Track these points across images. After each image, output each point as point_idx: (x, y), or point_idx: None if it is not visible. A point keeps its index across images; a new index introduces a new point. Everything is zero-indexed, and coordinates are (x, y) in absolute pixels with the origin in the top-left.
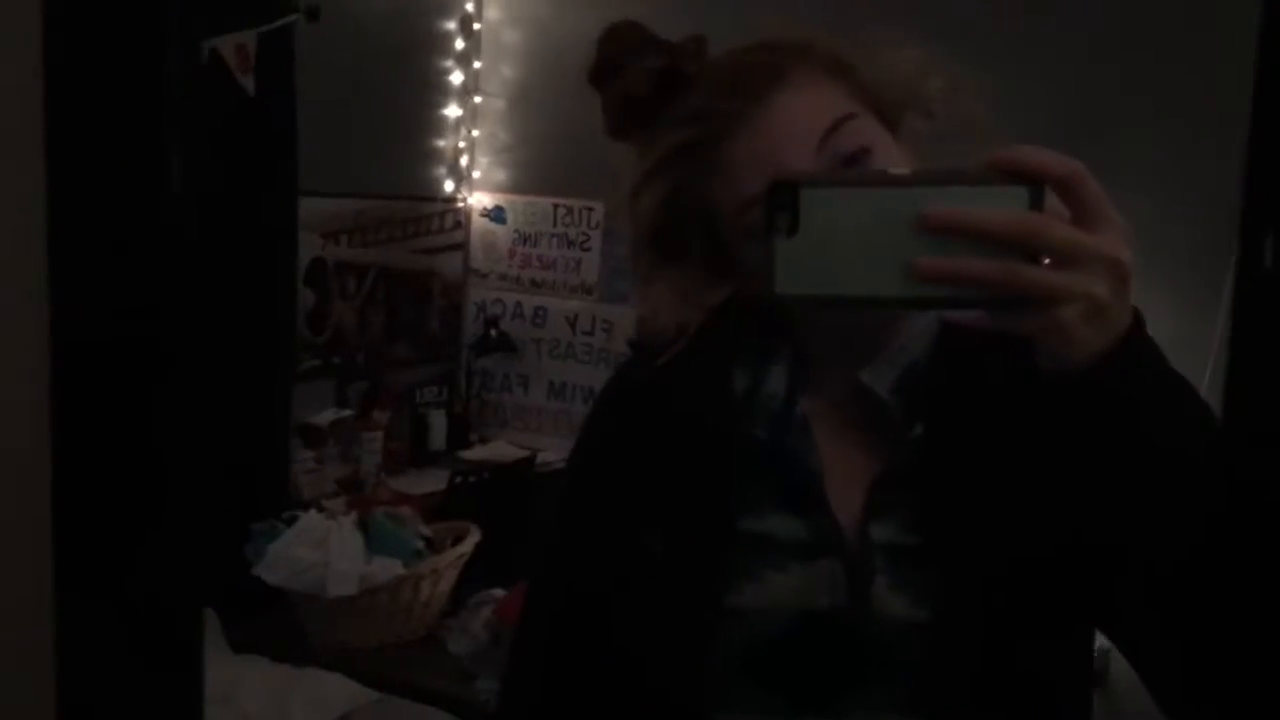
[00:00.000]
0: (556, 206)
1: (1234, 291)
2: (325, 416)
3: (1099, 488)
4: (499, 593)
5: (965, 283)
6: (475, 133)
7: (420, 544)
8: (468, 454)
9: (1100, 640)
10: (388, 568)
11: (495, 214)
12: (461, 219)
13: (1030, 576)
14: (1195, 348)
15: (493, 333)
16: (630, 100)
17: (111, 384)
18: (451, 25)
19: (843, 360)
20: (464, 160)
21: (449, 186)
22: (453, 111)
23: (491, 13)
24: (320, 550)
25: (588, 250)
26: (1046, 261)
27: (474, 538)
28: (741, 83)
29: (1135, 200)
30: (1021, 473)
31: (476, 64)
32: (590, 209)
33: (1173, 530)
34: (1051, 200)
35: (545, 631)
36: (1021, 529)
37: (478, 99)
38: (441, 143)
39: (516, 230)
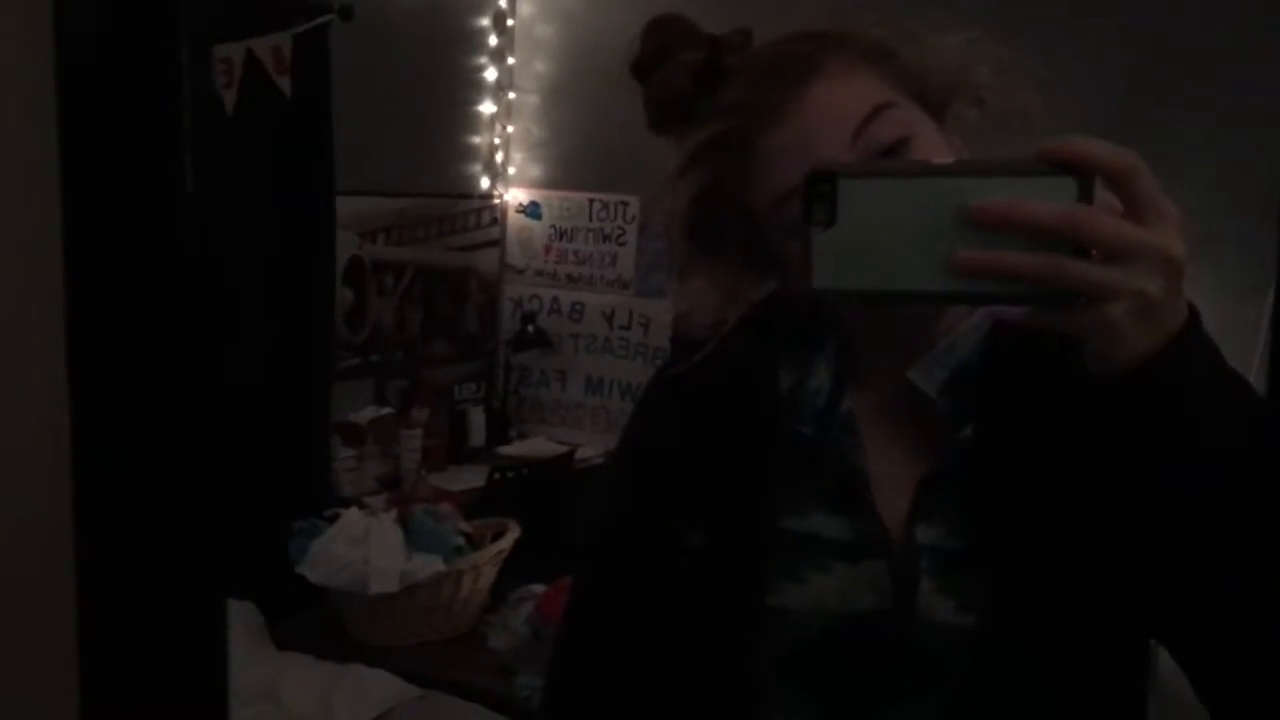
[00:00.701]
0: (592, 201)
1: (1277, 271)
2: (365, 414)
3: (1151, 489)
4: (539, 588)
5: (1009, 277)
6: (510, 129)
7: (460, 540)
8: (506, 450)
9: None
10: (428, 564)
11: (531, 210)
12: (497, 215)
13: (1080, 581)
14: (1244, 333)
15: (529, 328)
16: (672, 93)
17: (131, 378)
18: (485, 22)
19: (890, 357)
20: (499, 157)
21: (485, 183)
22: (487, 108)
23: (525, 8)
24: (361, 547)
25: (623, 245)
26: (1095, 256)
27: (514, 533)
28: (777, 74)
29: (1184, 188)
30: (1072, 475)
31: (510, 60)
32: (625, 204)
33: (1227, 531)
34: (1104, 193)
35: (590, 627)
36: (1071, 533)
37: (512, 95)
38: (477, 139)
39: (552, 225)
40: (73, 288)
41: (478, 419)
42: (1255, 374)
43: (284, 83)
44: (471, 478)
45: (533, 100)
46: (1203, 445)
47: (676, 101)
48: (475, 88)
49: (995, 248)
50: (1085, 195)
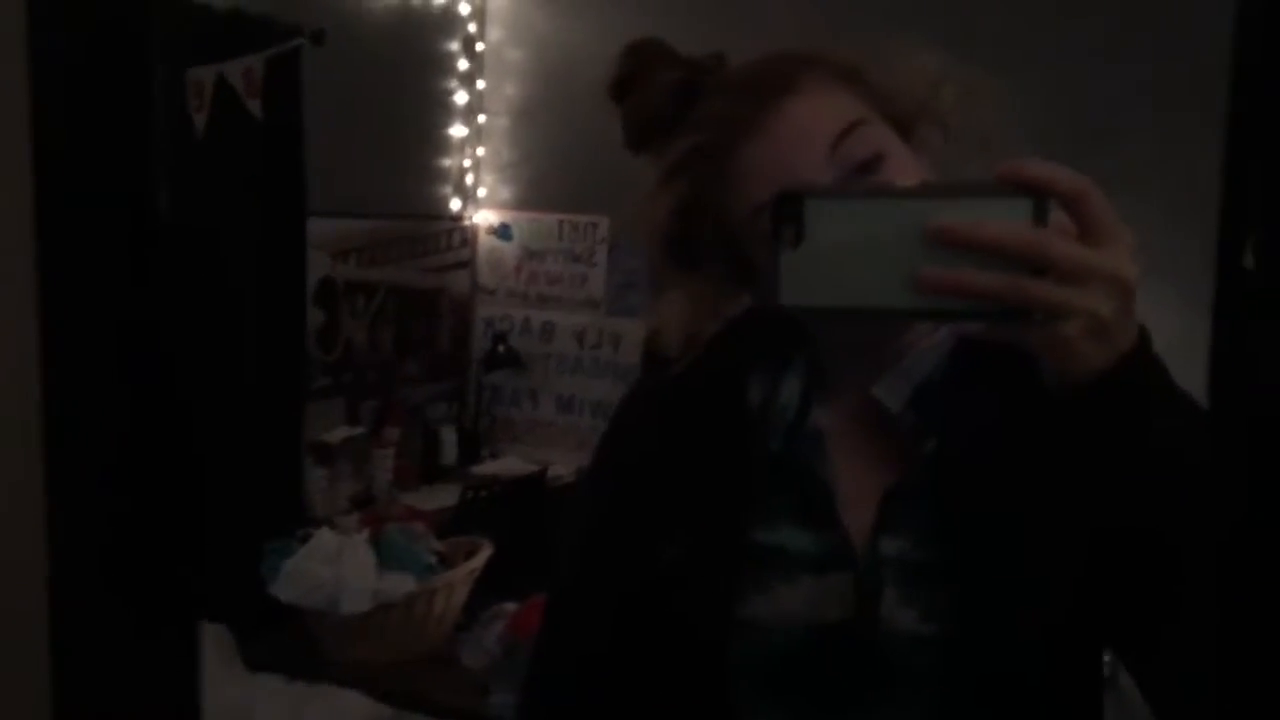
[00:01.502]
0: (562, 222)
1: (1215, 291)
2: (337, 434)
3: (1105, 502)
4: (512, 606)
5: (969, 295)
6: (480, 151)
7: (433, 559)
8: (479, 469)
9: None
10: (400, 583)
11: (501, 231)
12: (468, 236)
13: (1040, 592)
14: (1196, 349)
15: (501, 348)
16: (650, 112)
17: (103, 382)
18: (455, 46)
19: (856, 373)
20: (469, 179)
21: (455, 205)
22: (458, 131)
23: (494, 32)
24: (333, 567)
25: (594, 265)
26: (1051, 277)
27: (486, 552)
28: (753, 90)
29: (1139, 205)
30: (1033, 489)
31: (480, 83)
32: (595, 224)
33: (1179, 542)
34: (1062, 216)
35: (566, 639)
36: (1031, 545)
37: (482, 118)
38: (447, 162)
39: (523, 246)
40: (47, 306)
41: (450, 438)
42: (1208, 390)
43: (255, 105)
44: (444, 497)
45: (503, 123)
46: (1152, 459)
47: (654, 121)
48: (445, 110)
49: (957, 266)
50: (1040, 217)
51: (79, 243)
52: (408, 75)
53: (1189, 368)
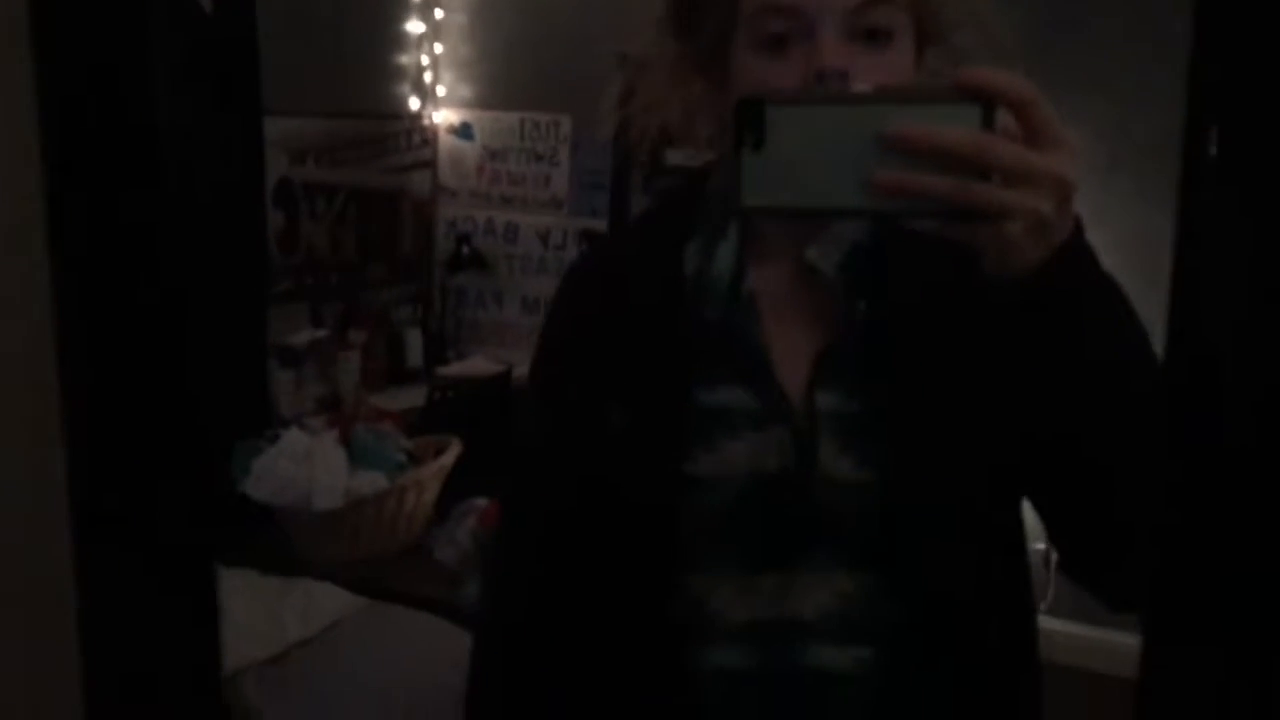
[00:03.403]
0: (523, 121)
1: (1180, 180)
2: (302, 337)
3: (1032, 377)
4: (482, 502)
5: (920, 197)
6: (438, 48)
7: (403, 457)
8: (445, 370)
9: None
10: (372, 481)
11: (462, 130)
12: (428, 136)
13: (965, 443)
14: (1156, 240)
15: (465, 250)
16: None
17: (120, 307)
18: None
19: (791, 238)
20: (428, 76)
21: (414, 104)
22: (414, 27)
23: None
24: (304, 465)
25: (556, 165)
26: (997, 179)
27: (455, 450)
28: None
29: (1096, 101)
30: (957, 348)
31: None
32: (557, 122)
33: (1096, 418)
34: (1010, 119)
35: (525, 515)
36: (956, 399)
37: (439, 13)
38: (404, 59)
39: (484, 146)
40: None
41: (415, 340)
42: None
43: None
44: (411, 398)
45: (460, 19)
46: (1082, 339)
47: None
48: (401, 5)
49: (910, 169)
50: (988, 122)
51: (81, 156)
52: None
53: (1152, 258)
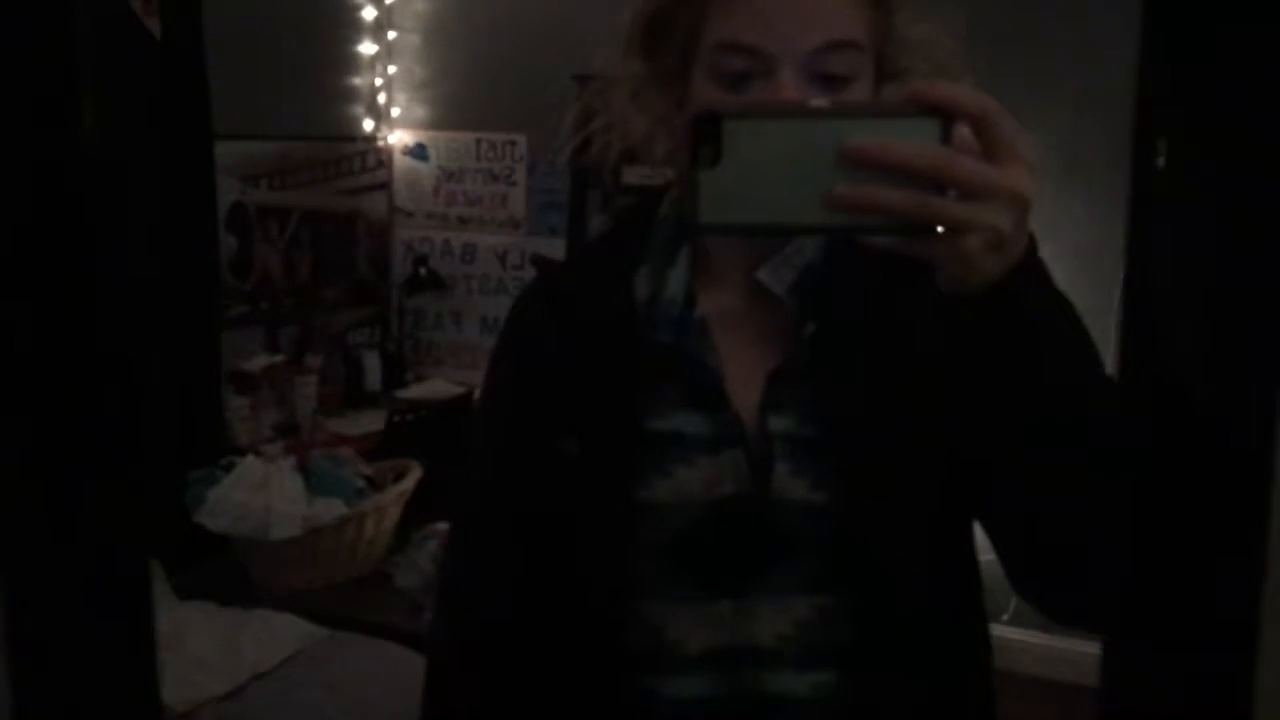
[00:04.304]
0: (479, 141)
1: (1129, 191)
2: (257, 362)
3: (984, 394)
4: (443, 527)
5: (879, 212)
6: (392, 69)
7: (361, 483)
8: (404, 393)
9: None
10: (330, 508)
11: (417, 151)
12: (384, 158)
13: (917, 461)
14: (1108, 252)
15: (422, 271)
16: None
17: (40, 312)
18: None
19: (741, 259)
20: (382, 98)
21: (368, 125)
22: (367, 48)
23: None
24: (261, 494)
25: (513, 184)
26: (955, 194)
27: (415, 474)
28: None
29: (1055, 111)
30: (906, 369)
31: None
32: (513, 142)
33: (1047, 435)
34: (967, 134)
35: (479, 537)
36: (904, 419)
37: (392, 34)
38: (358, 81)
39: (440, 167)
40: None
41: (373, 363)
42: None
43: (154, 24)
44: (369, 422)
45: (414, 39)
46: (1037, 355)
47: None
48: (354, 27)
49: (868, 185)
50: (946, 136)
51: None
52: None
53: (1102, 265)
